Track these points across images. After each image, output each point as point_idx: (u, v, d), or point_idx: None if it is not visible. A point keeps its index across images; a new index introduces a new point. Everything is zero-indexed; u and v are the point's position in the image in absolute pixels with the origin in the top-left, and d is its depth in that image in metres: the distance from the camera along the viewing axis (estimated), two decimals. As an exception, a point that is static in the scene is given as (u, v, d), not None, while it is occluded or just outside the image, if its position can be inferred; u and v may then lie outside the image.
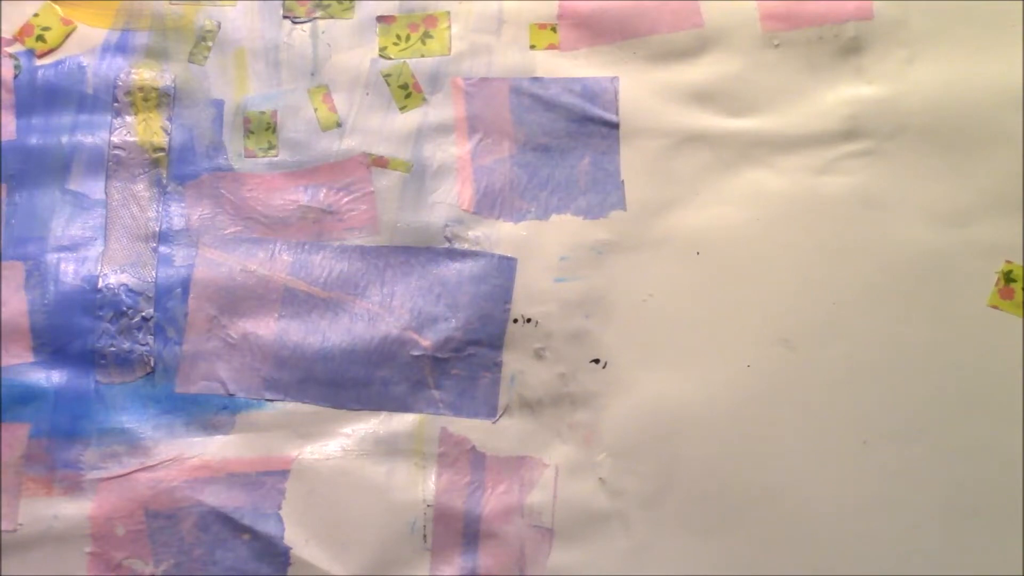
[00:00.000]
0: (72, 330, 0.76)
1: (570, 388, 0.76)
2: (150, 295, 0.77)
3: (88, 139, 0.79)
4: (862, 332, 0.75)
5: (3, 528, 0.74)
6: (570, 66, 0.80)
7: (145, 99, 0.79)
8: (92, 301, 0.77)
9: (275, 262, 0.78)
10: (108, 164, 0.79)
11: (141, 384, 0.76)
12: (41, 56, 0.80)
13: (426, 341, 0.76)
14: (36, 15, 0.80)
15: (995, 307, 0.75)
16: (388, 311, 0.77)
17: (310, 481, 0.75)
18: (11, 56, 0.80)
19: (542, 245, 0.78)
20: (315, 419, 0.76)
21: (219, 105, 0.80)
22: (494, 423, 0.76)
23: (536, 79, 0.80)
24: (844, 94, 0.78)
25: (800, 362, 0.75)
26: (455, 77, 0.80)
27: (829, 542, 0.74)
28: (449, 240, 0.78)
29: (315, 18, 0.81)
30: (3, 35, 0.80)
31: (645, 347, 0.76)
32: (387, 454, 0.75)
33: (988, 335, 0.75)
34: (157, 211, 0.78)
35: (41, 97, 0.79)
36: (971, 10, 0.79)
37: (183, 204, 0.79)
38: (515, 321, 0.77)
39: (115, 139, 0.79)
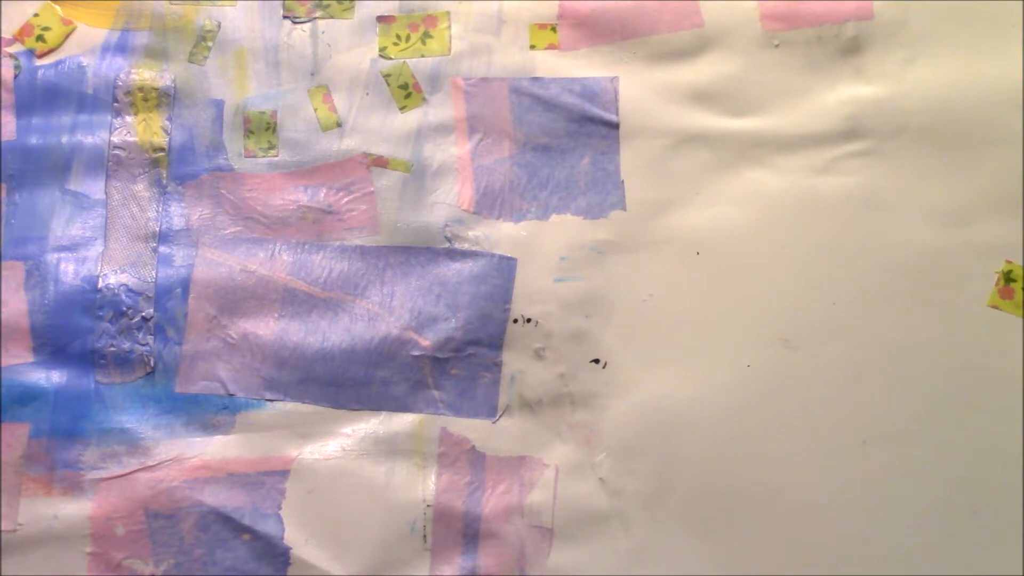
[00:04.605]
0: (72, 330, 0.76)
1: (570, 388, 0.76)
2: (150, 295, 0.77)
3: (88, 139, 0.79)
4: (862, 332, 0.76)
5: (3, 528, 0.74)
6: (570, 66, 0.80)
7: (145, 99, 0.79)
8: (92, 301, 0.77)
9: (275, 262, 0.78)
10: (108, 164, 0.79)
11: (141, 384, 0.76)
12: (41, 56, 0.80)
13: (426, 341, 0.76)
14: (36, 15, 0.80)
15: (995, 307, 0.75)
16: (388, 311, 0.77)
17: (310, 481, 0.75)
18: (11, 56, 0.80)
19: (542, 245, 0.78)
20: (315, 419, 0.76)
21: (219, 105, 0.80)
22: (494, 423, 0.76)
23: (536, 79, 0.80)
24: (844, 94, 0.78)
25: (800, 362, 0.75)
26: (455, 77, 0.80)
27: (829, 542, 0.74)
28: (449, 240, 0.78)
29: (315, 18, 0.81)
30: (3, 35, 0.80)
31: (645, 347, 0.76)
32: (387, 454, 0.75)
33: (988, 335, 0.75)
34: (157, 211, 0.78)
35: (41, 97, 0.79)
36: (971, 10, 0.79)
37: (183, 204, 0.79)
38: (515, 321, 0.77)
39: (115, 139, 0.79)
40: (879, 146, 0.78)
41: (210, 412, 0.76)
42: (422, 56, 0.80)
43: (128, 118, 0.79)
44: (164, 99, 0.80)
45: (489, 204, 0.78)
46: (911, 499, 0.74)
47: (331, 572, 0.74)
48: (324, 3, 0.81)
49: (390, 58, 0.80)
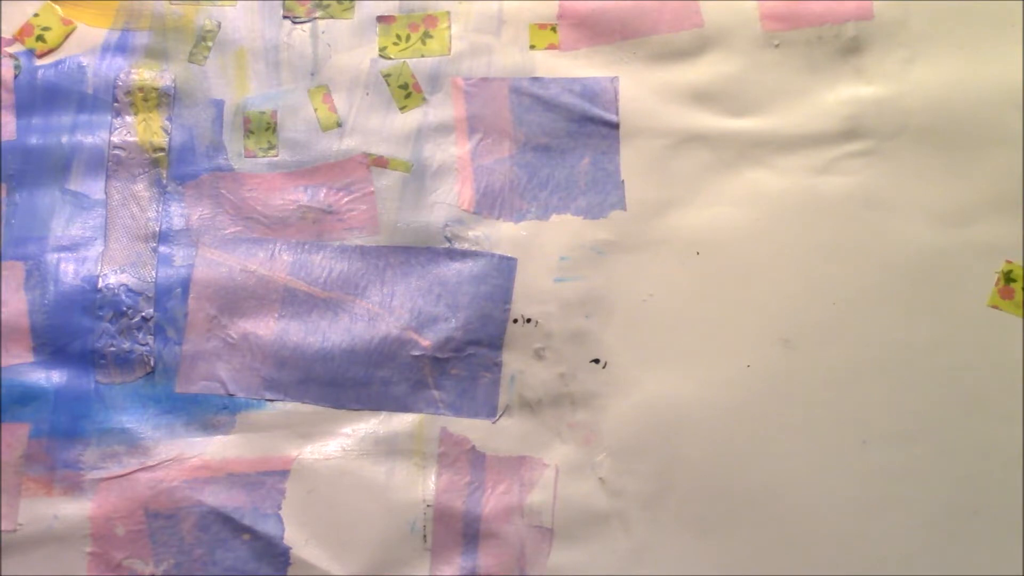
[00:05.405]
0: (72, 330, 0.76)
1: (570, 388, 0.76)
2: (150, 295, 0.77)
3: (88, 139, 0.79)
4: (862, 332, 0.76)
5: (3, 528, 0.74)
6: (570, 66, 0.80)
7: (145, 99, 0.79)
8: (92, 301, 0.77)
9: (275, 262, 0.78)
10: (108, 164, 0.79)
11: (141, 384, 0.76)
12: (41, 56, 0.80)
13: (426, 341, 0.76)
14: (36, 15, 0.80)
15: (995, 307, 0.75)
16: (388, 311, 0.77)
17: (310, 481, 0.75)
18: (11, 56, 0.80)
19: (542, 245, 0.78)
20: (315, 419, 0.76)
21: (219, 105, 0.80)
22: (494, 423, 0.76)
23: (536, 79, 0.80)
24: (844, 94, 0.78)
25: (800, 362, 0.75)
26: (455, 77, 0.80)
27: (829, 542, 0.74)
28: (449, 240, 0.78)
29: (315, 18, 0.81)
30: (3, 35, 0.80)
31: (645, 347, 0.76)
32: (387, 454, 0.75)
33: (988, 335, 0.75)
34: (157, 211, 0.78)
35: (41, 97, 0.79)
36: (971, 10, 0.79)
37: (183, 204, 0.79)
38: (515, 321, 0.77)
39: (115, 139, 0.79)
40: (879, 146, 0.78)
41: (210, 412, 0.76)
42: (422, 56, 0.80)
43: (128, 118, 0.79)
44: (164, 99, 0.80)
45: (489, 204, 0.78)
46: (911, 499, 0.74)
47: (331, 572, 0.73)
48: (324, 3, 0.81)
49: (390, 58, 0.80)
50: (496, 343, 0.77)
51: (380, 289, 0.77)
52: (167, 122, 0.79)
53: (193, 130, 0.79)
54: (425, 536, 0.74)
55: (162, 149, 0.79)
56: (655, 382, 0.76)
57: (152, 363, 0.76)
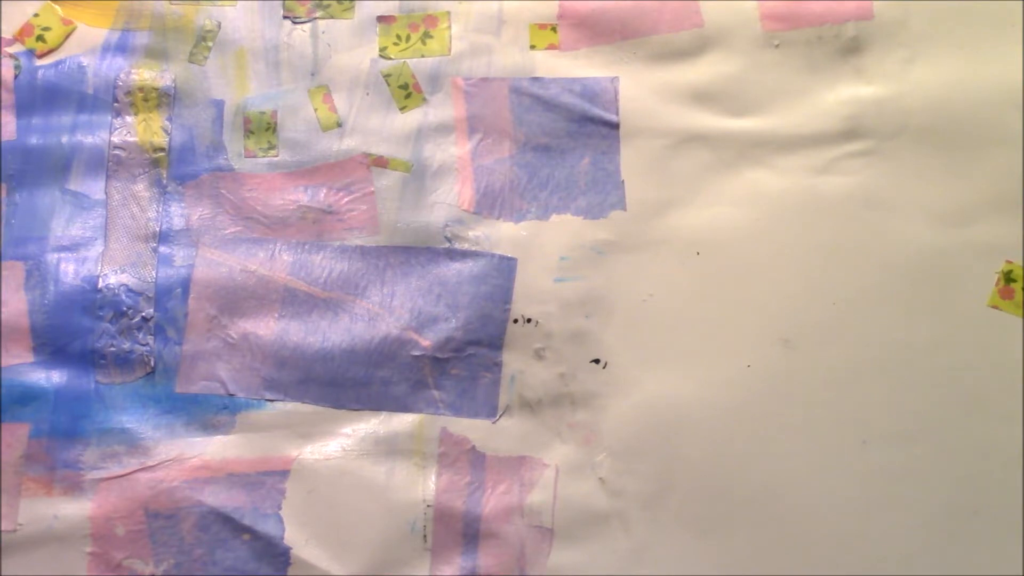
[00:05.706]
0: (72, 330, 0.76)
1: (570, 388, 0.76)
2: (150, 295, 0.77)
3: (88, 139, 0.79)
4: (862, 332, 0.76)
5: (3, 528, 0.74)
6: (570, 66, 0.80)
7: (145, 99, 0.79)
8: (92, 301, 0.77)
9: (275, 262, 0.78)
10: (108, 164, 0.79)
11: (141, 384, 0.76)
12: (41, 56, 0.80)
13: (426, 341, 0.76)
14: (36, 15, 0.80)
15: (995, 307, 0.75)
16: (388, 311, 0.77)
17: (310, 481, 0.75)
18: (11, 56, 0.80)
19: (542, 245, 0.78)
20: (315, 419, 0.76)
21: (219, 105, 0.80)
22: (494, 423, 0.76)
23: (536, 79, 0.80)
24: (844, 94, 0.78)
25: (800, 362, 0.75)
26: (455, 77, 0.80)
27: (829, 542, 0.74)
28: (449, 240, 0.78)
29: (315, 18, 0.81)
30: (3, 35, 0.80)
31: (645, 347, 0.76)
32: (387, 454, 0.75)
33: (988, 335, 0.75)
34: (157, 211, 0.78)
35: (41, 97, 0.79)
36: (971, 10, 0.79)
37: (183, 204, 0.79)
38: (515, 321, 0.77)
39: (115, 139, 0.79)
40: (879, 146, 0.78)
41: (210, 412, 0.76)
42: (422, 56, 0.80)
43: (128, 118, 0.79)
44: (164, 99, 0.80)
45: (489, 204, 0.78)
46: (911, 499, 0.74)
47: (331, 572, 0.74)
48: (324, 3, 0.81)
49: (390, 58, 0.80)
50: (496, 343, 0.77)
51: (380, 289, 0.77)
52: (167, 122, 0.79)
53: (193, 130, 0.79)
54: (425, 536, 0.74)
55: (162, 149, 0.79)
56: (655, 382, 0.76)
57: (152, 363, 0.76)
